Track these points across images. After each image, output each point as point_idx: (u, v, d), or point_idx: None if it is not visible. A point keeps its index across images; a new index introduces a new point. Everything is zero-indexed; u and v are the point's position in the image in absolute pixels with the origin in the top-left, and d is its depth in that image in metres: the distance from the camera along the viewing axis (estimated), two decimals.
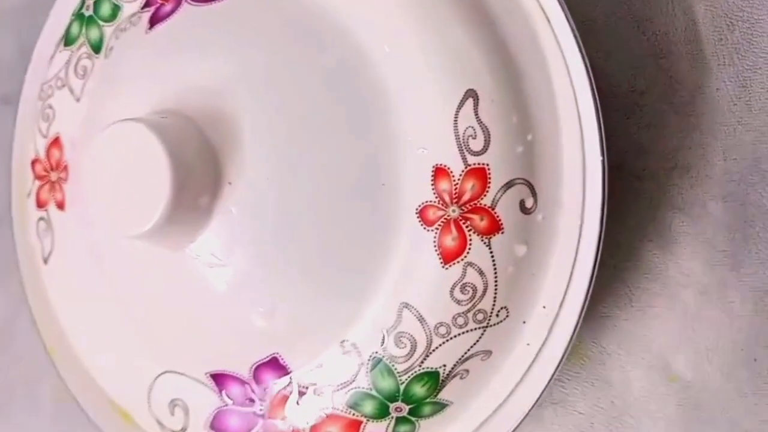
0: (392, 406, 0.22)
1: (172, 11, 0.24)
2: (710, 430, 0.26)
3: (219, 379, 0.24)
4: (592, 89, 0.21)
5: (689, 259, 0.27)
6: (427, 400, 0.22)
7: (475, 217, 0.21)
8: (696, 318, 0.27)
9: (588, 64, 0.21)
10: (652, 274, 0.27)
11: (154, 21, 0.25)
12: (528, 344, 0.22)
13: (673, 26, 0.27)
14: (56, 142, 0.27)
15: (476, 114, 0.21)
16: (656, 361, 0.27)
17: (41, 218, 0.28)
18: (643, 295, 0.27)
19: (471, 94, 0.21)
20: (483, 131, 0.21)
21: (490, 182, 0.21)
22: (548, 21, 0.22)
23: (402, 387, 0.22)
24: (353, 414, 0.22)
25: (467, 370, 0.22)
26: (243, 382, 0.23)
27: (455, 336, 0.21)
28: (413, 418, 0.22)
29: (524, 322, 0.22)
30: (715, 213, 0.27)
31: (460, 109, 0.21)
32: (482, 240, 0.21)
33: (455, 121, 0.21)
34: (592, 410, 0.28)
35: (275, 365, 0.23)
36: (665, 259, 0.27)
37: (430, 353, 0.21)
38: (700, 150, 0.27)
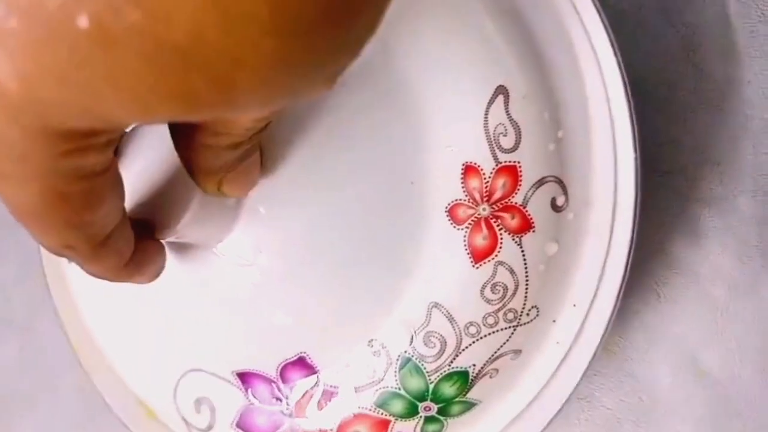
0: (421, 405, 0.22)
1: None
2: (738, 426, 0.26)
3: (245, 377, 0.23)
4: (624, 84, 0.21)
5: (718, 255, 0.27)
6: (456, 399, 0.22)
7: (506, 216, 0.21)
8: (725, 313, 0.27)
9: (620, 58, 0.21)
10: (681, 269, 0.27)
11: None
12: (558, 343, 0.22)
13: (704, 18, 0.27)
14: None
15: (507, 111, 0.20)
16: (684, 357, 0.27)
17: None
18: (672, 291, 0.27)
19: (501, 90, 0.20)
20: (514, 128, 0.20)
21: (521, 180, 0.21)
22: (578, 13, 0.22)
23: (431, 386, 0.22)
24: (381, 413, 0.22)
25: (497, 370, 0.22)
26: (270, 381, 0.23)
27: (485, 335, 0.21)
28: (442, 417, 0.22)
29: (554, 321, 0.22)
30: (744, 208, 0.26)
31: (490, 105, 0.20)
32: (513, 239, 0.21)
33: (485, 118, 0.20)
34: (619, 406, 0.28)
35: (302, 364, 0.23)
36: (694, 253, 0.27)
37: (460, 353, 0.21)
38: (729, 144, 0.26)
